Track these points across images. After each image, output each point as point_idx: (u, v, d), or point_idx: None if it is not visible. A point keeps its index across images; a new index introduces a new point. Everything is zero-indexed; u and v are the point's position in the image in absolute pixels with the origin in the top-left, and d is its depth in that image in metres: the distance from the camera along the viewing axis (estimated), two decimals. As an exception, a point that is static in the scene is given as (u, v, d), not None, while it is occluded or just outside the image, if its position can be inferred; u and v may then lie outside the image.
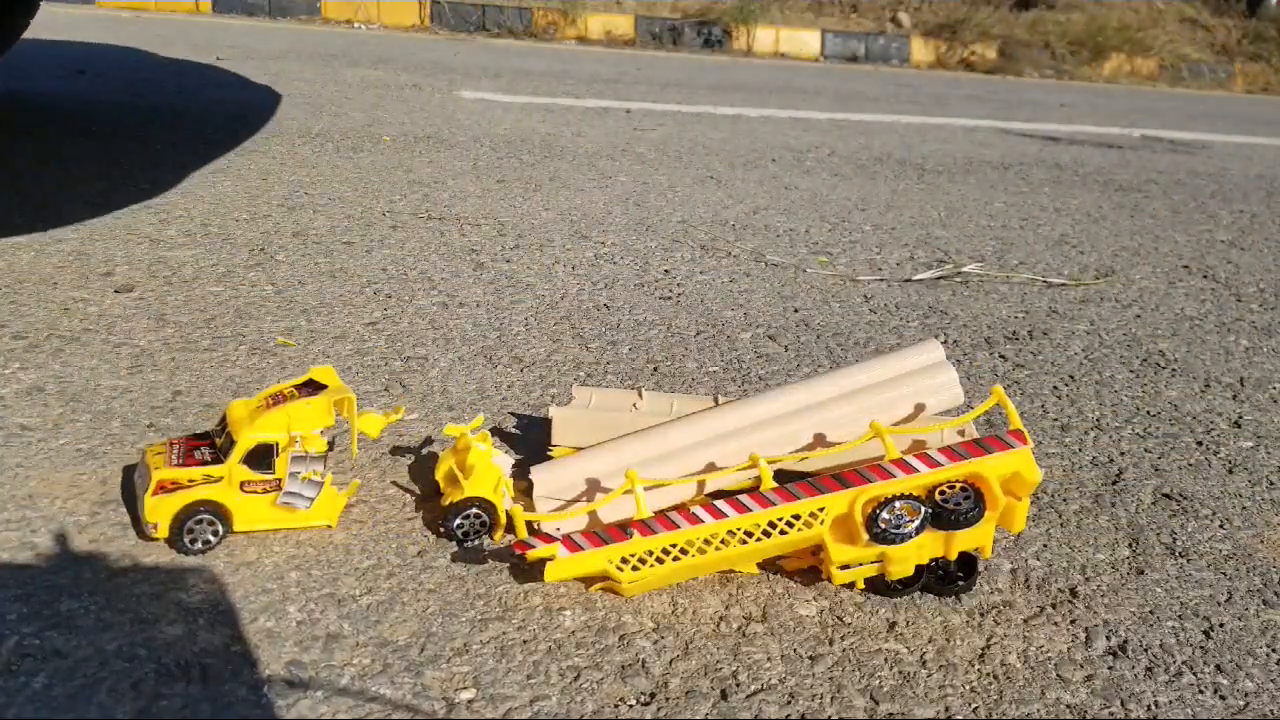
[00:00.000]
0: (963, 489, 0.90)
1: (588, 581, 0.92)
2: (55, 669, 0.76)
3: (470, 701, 0.77)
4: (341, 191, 2.27)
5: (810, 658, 0.86)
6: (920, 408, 1.04)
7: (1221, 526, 1.13)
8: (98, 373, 1.27)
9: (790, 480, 0.93)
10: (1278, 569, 1.05)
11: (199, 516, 0.91)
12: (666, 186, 2.61)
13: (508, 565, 0.94)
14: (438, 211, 2.17)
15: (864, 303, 1.81)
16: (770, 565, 0.96)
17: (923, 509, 0.89)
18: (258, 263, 1.75)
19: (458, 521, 0.96)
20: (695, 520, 0.89)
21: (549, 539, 0.90)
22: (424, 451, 1.15)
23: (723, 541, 0.90)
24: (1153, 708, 0.83)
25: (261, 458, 0.94)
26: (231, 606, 0.85)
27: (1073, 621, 0.93)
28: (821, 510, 0.90)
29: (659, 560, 0.89)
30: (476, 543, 0.97)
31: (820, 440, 1.01)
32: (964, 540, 0.91)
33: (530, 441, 1.18)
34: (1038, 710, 0.82)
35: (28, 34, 3.03)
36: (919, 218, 2.50)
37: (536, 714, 0.77)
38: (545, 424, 1.12)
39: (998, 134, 4.06)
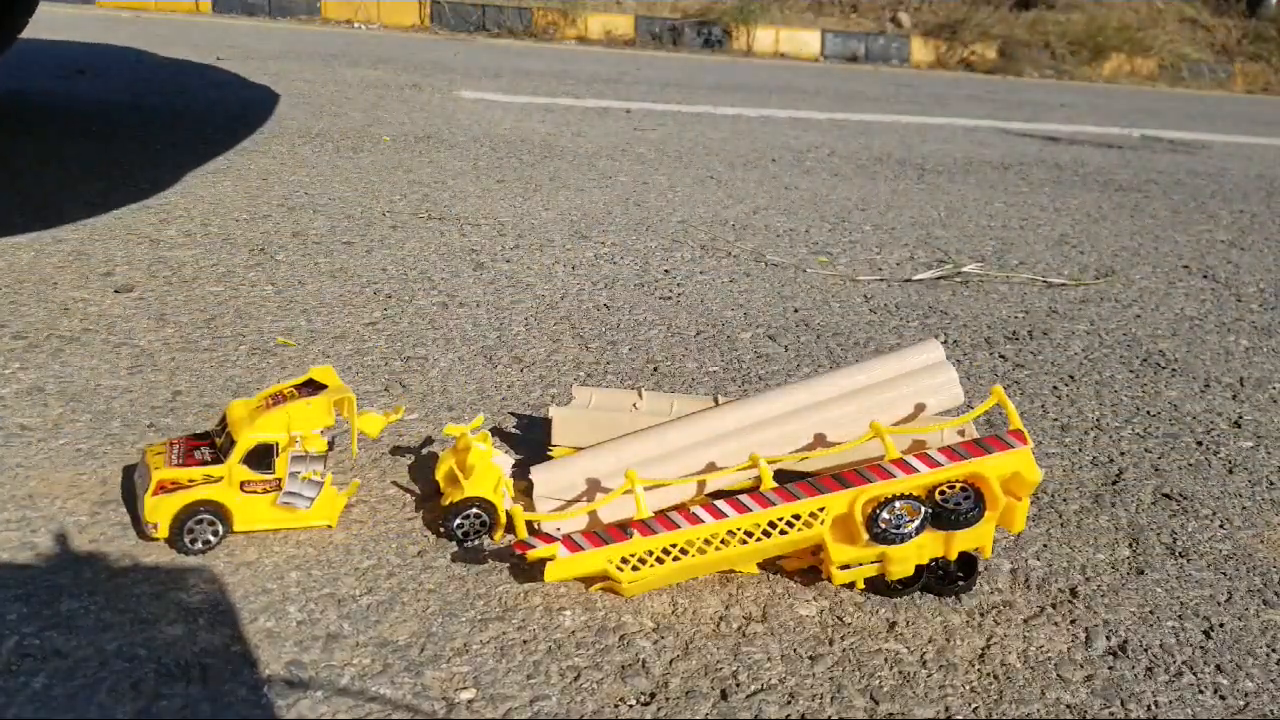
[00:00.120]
0: (963, 489, 0.90)
1: (588, 581, 0.92)
2: (55, 669, 0.76)
3: (470, 701, 0.77)
4: (341, 191, 2.27)
5: (810, 658, 0.86)
6: (920, 408, 1.04)
7: (1221, 526, 1.13)
8: (98, 373, 1.27)
9: (790, 480, 0.93)
10: (1278, 569, 1.05)
11: (199, 516, 0.91)
12: (666, 186, 2.61)
13: (508, 565, 0.94)
14: (438, 211, 2.17)
15: (864, 303, 1.81)
16: (770, 565, 0.96)
17: (923, 509, 0.89)
18: (258, 263, 1.75)
19: (458, 521, 0.96)
20: (695, 520, 0.89)
21: (549, 539, 0.90)
22: (424, 451, 1.15)
23: (723, 541, 0.90)
24: (1153, 708, 0.83)
25: (261, 458, 0.94)
26: (231, 606, 0.85)
27: (1073, 621, 0.93)
28: (821, 510, 0.90)
29: (659, 560, 0.89)
30: (476, 543, 0.97)
31: (820, 440, 1.01)
32: (964, 540, 0.91)
33: (530, 441, 1.18)
34: (1038, 710, 0.82)
35: (27, 34, 3.03)
36: (919, 218, 2.50)
37: (536, 714, 0.77)
38: (545, 424, 1.12)
39: (998, 134, 4.06)
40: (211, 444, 0.97)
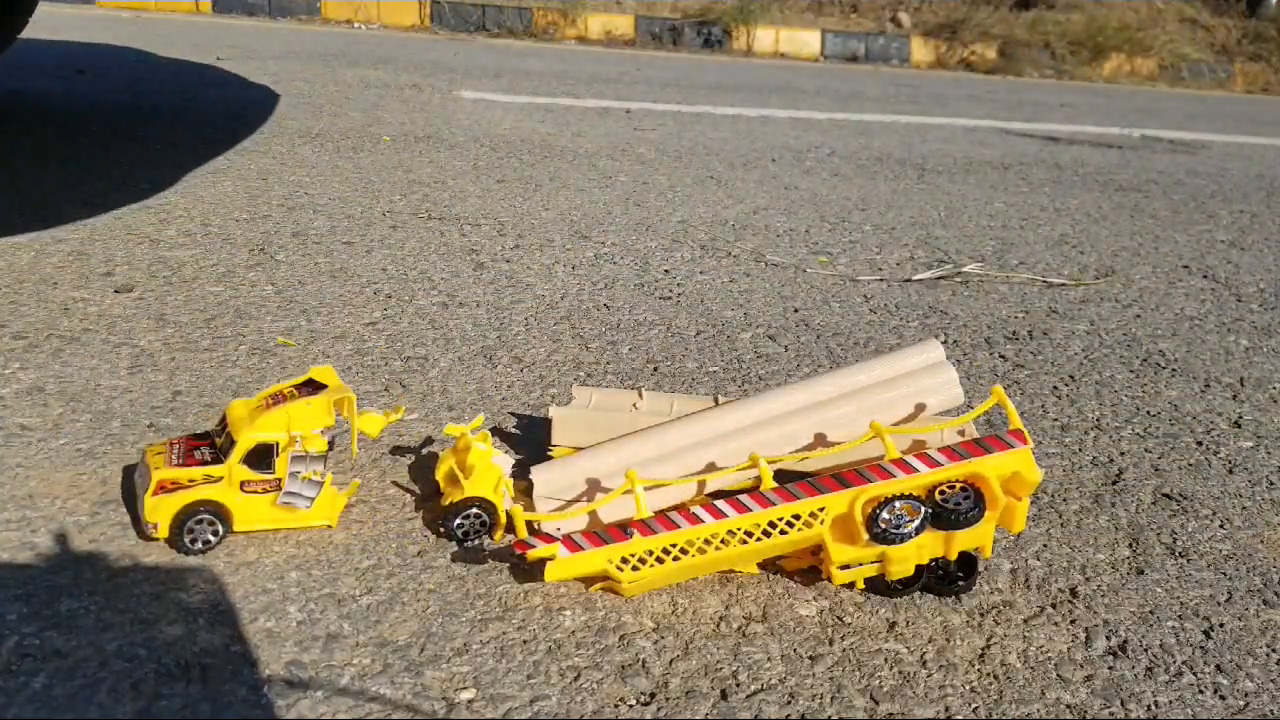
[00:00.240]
0: (963, 489, 0.90)
1: (588, 581, 0.92)
2: (55, 669, 0.76)
3: (470, 701, 0.77)
4: (341, 191, 2.27)
5: (810, 658, 0.86)
6: (920, 407, 1.04)
7: (1221, 526, 1.13)
8: (98, 373, 1.27)
9: (790, 480, 0.93)
10: (1278, 569, 1.05)
11: (199, 516, 0.91)
12: (666, 186, 2.61)
13: (508, 565, 0.94)
14: (438, 211, 2.17)
15: (864, 303, 1.81)
16: (770, 565, 0.96)
17: (923, 509, 0.89)
18: (258, 263, 1.75)
19: (458, 521, 0.96)
20: (695, 520, 0.89)
21: (549, 539, 0.90)
22: (424, 451, 1.15)
23: (723, 541, 0.90)
24: (1153, 708, 0.83)
25: (261, 458, 0.94)
26: (231, 606, 0.85)
27: (1073, 621, 0.93)
28: (821, 510, 0.90)
29: (659, 560, 0.89)
30: (476, 543, 0.97)
31: (820, 440, 1.01)
32: (964, 540, 0.91)
33: (530, 441, 1.18)
34: (1038, 710, 0.82)
35: (27, 34, 3.03)
36: (919, 218, 2.50)
37: (536, 714, 0.77)
38: (545, 424, 1.12)
39: (998, 134, 4.06)
40: (211, 444, 0.97)
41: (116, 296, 1.54)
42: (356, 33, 6.13)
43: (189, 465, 0.93)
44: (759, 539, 0.90)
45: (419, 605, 0.88)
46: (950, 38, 7.30)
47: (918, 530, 0.88)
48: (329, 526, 0.97)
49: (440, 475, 1.02)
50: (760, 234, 2.22)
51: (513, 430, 1.22)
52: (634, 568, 0.89)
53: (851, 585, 0.94)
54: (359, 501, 1.03)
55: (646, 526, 0.89)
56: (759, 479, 0.93)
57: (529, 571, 0.92)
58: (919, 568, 0.92)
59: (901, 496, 0.89)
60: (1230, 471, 1.27)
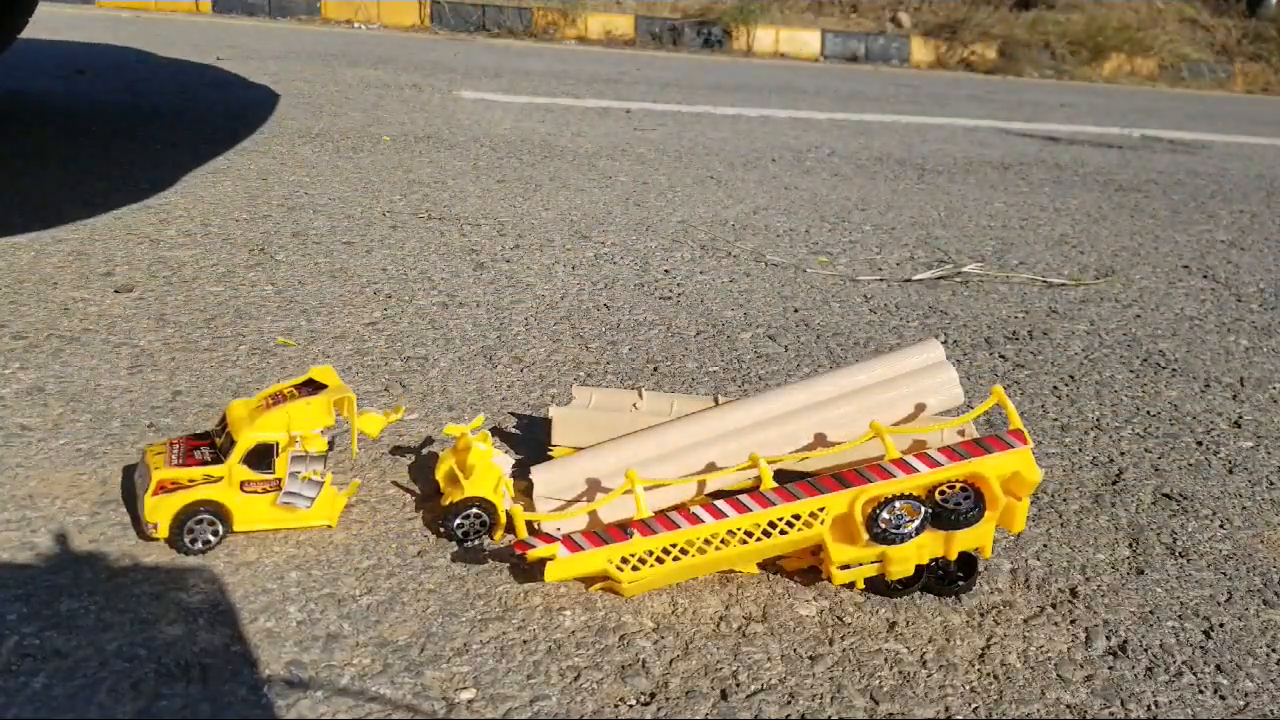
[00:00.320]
0: (963, 489, 0.90)
1: (588, 581, 0.92)
2: (55, 669, 0.76)
3: (470, 701, 0.77)
4: (341, 191, 2.27)
5: (810, 658, 0.86)
6: (920, 408, 1.04)
7: (1221, 526, 1.13)
8: (98, 373, 1.27)
9: (790, 480, 0.93)
10: (1278, 569, 1.05)
11: (199, 516, 0.91)
12: (666, 186, 2.61)
13: (508, 565, 0.94)
14: (438, 211, 2.17)
15: (864, 303, 1.81)
16: (770, 565, 0.96)
17: (923, 509, 0.89)
18: (258, 263, 1.75)
19: (458, 521, 0.96)
20: (695, 520, 0.89)
21: (549, 539, 0.90)
22: (424, 451, 1.15)
23: (723, 541, 0.90)
24: (1153, 708, 0.83)
25: (261, 458, 0.94)
26: (231, 606, 0.85)
27: (1073, 621, 0.93)
28: (821, 510, 0.90)
29: (659, 560, 0.89)
30: (476, 543, 0.97)
31: (820, 440, 1.01)
32: (964, 540, 0.91)
33: (530, 441, 1.18)
34: (1038, 710, 0.82)
35: (27, 34, 3.03)
36: (919, 218, 2.50)
37: (536, 714, 0.77)
38: (545, 424, 1.12)
39: (998, 134, 4.06)
40: (211, 444, 0.97)
41: (116, 296, 1.54)
42: (356, 33, 6.13)
43: (189, 465, 0.93)
44: (759, 539, 0.90)
45: (419, 605, 0.88)
46: (950, 38, 7.30)
47: (918, 530, 0.88)
48: (329, 526, 0.97)
49: (440, 475, 1.02)
50: (760, 234, 2.22)
51: (513, 430, 1.22)
52: (634, 568, 0.89)
53: (851, 585, 0.94)
54: (359, 501, 1.03)
55: (646, 526, 0.89)
56: (759, 479, 0.93)
57: (529, 571, 0.92)
58: (919, 568, 0.92)
59: (901, 496, 0.89)
60: (1230, 471, 1.27)
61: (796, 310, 1.74)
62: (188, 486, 0.91)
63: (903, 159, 3.30)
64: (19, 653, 0.77)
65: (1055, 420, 1.38)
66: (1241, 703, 0.85)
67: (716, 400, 1.11)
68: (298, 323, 1.50)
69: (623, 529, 0.90)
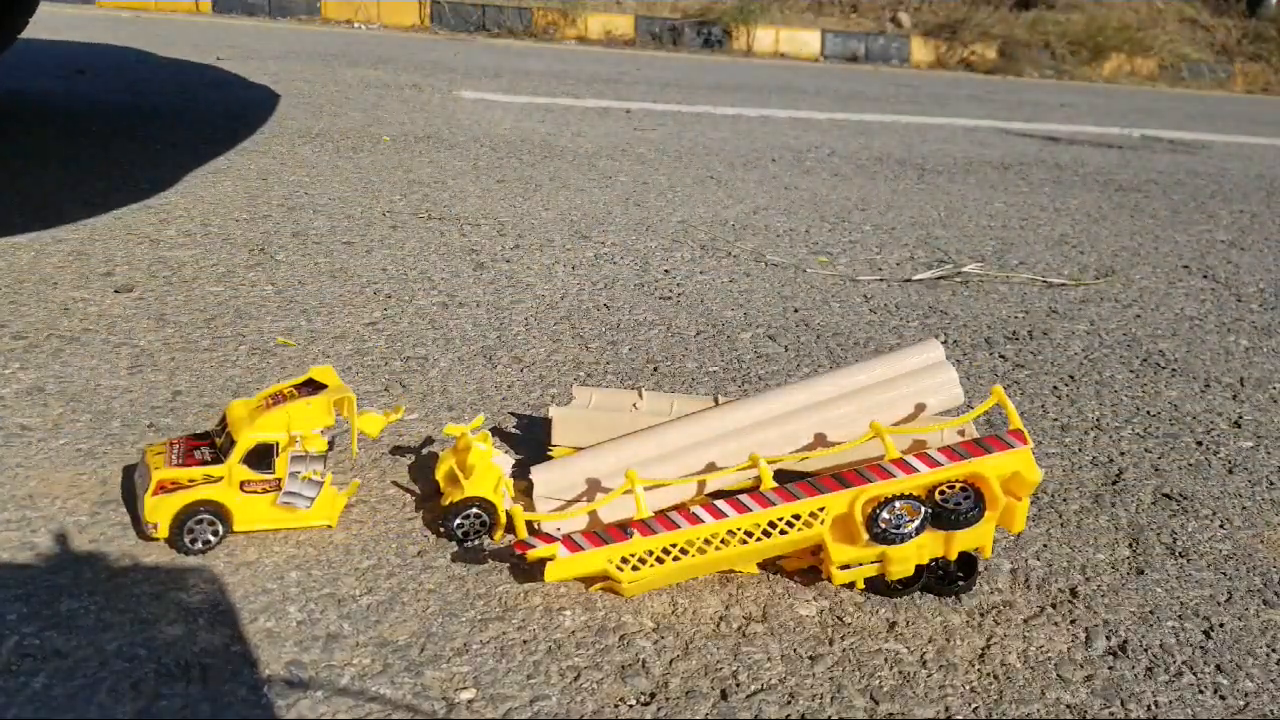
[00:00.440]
0: (963, 489, 0.90)
1: (588, 581, 0.92)
2: (55, 669, 0.76)
3: (470, 701, 0.77)
4: (341, 191, 2.27)
5: (810, 658, 0.86)
6: (920, 407, 1.04)
7: (1221, 526, 1.13)
8: (98, 373, 1.27)
9: (790, 480, 0.93)
10: (1278, 569, 1.05)
11: (199, 516, 0.91)
12: (666, 186, 2.61)
13: (508, 565, 0.94)
14: (438, 211, 2.17)
15: (864, 303, 1.81)
16: (770, 565, 0.96)
17: (923, 509, 0.89)
18: (258, 263, 1.75)
19: (458, 521, 0.96)
20: (695, 520, 0.89)
21: (549, 539, 0.90)
22: (424, 451, 1.15)
23: (723, 541, 0.90)
24: (1153, 708, 0.83)
25: (261, 458, 0.94)
26: (231, 606, 0.85)
27: (1073, 621, 0.93)
28: (821, 510, 0.90)
29: (659, 560, 0.89)
30: (476, 543, 0.97)
31: (820, 440, 1.01)
32: (964, 540, 0.91)
33: (530, 441, 1.18)
34: (1038, 710, 0.82)
35: (27, 34, 3.03)
36: (919, 218, 2.50)
37: (536, 714, 0.77)
38: (545, 424, 1.12)
39: (998, 134, 4.06)
40: (211, 444, 0.97)
41: (116, 296, 1.54)
42: (356, 33, 6.13)
43: (189, 465, 0.93)
44: (759, 539, 0.90)
45: (419, 605, 0.88)
46: (950, 38, 7.30)
47: (918, 530, 0.88)
48: (329, 526, 0.97)
49: (440, 475, 1.02)
50: (760, 234, 2.22)
51: (513, 430, 1.22)
52: (634, 568, 0.89)
53: (851, 585, 0.94)
54: (359, 501, 1.03)
55: (646, 526, 0.89)
56: (759, 479, 0.93)
57: (529, 571, 0.92)
58: (919, 568, 0.92)
59: (901, 496, 0.89)
60: (1230, 471, 1.27)
61: (796, 310, 1.74)
62: (188, 486, 0.91)
63: (903, 159, 3.30)
64: (19, 653, 0.77)
65: (1055, 420, 1.38)
66: (1241, 703, 0.85)
67: (716, 400, 1.11)
68: (298, 323, 1.50)
69: (623, 529, 0.90)
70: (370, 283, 1.70)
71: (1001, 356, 1.60)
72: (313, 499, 0.95)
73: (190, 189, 2.20)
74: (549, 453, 1.07)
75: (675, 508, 0.93)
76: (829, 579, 0.93)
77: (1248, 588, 1.01)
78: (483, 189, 2.41)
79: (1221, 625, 0.95)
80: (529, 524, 0.97)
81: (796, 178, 2.86)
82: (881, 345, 1.61)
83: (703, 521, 0.89)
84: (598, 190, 2.50)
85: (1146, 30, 7.73)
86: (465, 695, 0.78)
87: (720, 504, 0.90)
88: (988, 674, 0.85)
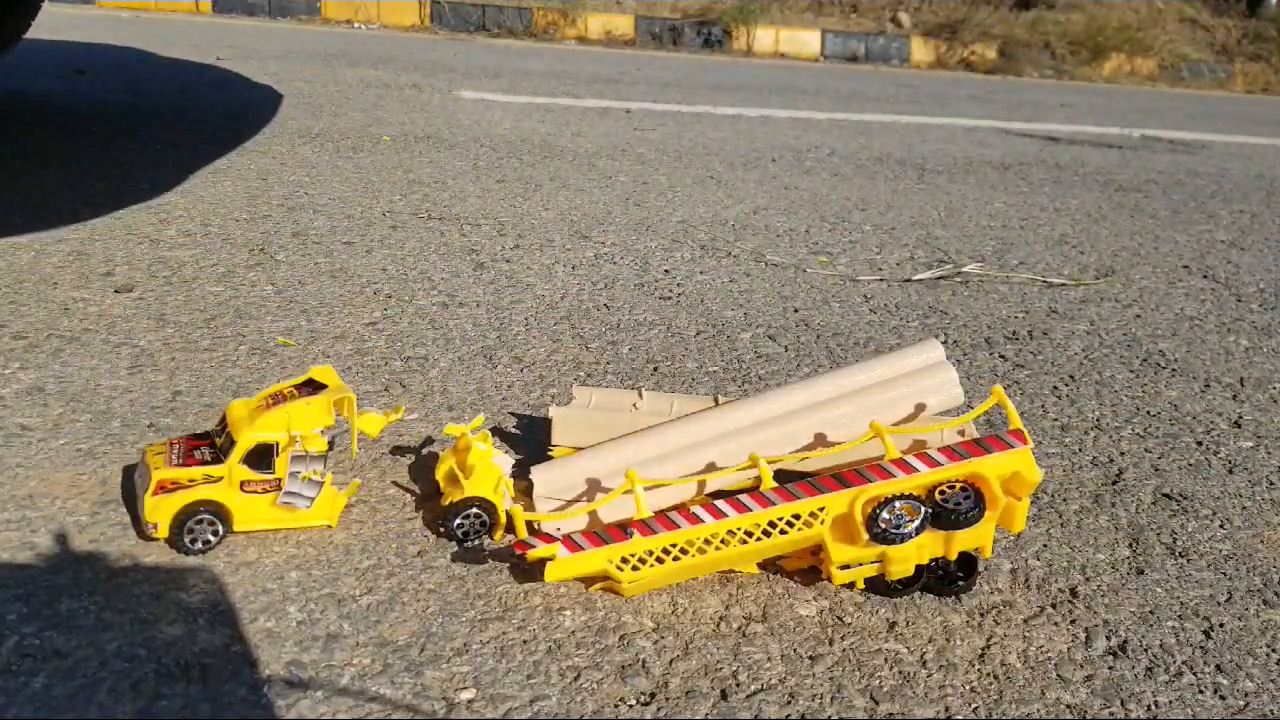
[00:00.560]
0: (963, 489, 0.90)
1: (588, 581, 0.92)
2: (55, 669, 0.76)
3: (470, 701, 0.77)
4: (341, 191, 2.27)
5: (810, 658, 0.86)
6: (920, 407, 1.04)
7: (1221, 526, 1.13)
8: (98, 373, 1.27)
9: (790, 480, 0.93)
10: (1278, 569, 1.05)
11: (199, 516, 0.91)
12: (666, 186, 2.61)
13: (508, 565, 0.94)
14: (438, 211, 2.17)
15: (864, 303, 1.81)
16: (770, 565, 0.96)
17: (923, 509, 0.89)
18: (258, 263, 1.75)
19: (458, 521, 0.96)
20: (695, 520, 0.89)
21: (549, 539, 0.90)
22: (424, 451, 1.15)
23: (723, 541, 0.90)
24: (1153, 708, 0.83)
25: (261, 458, 0.94)
26: (231, 606, 0.85)
27: (1073, 621, 0.93)
28: (821, 510, 0.90)
29: (659, 560, 0.89)
30: (476, 543, 0.97)
31: (820, 440, 1.01)
32: (964, 540, 0.91)
33: (530, 441, 1.18)
34: (1038, 710, 0.82)
35: (27, 34, 3.02)
36: (919, 218, 2.50)
37: (536, 714, 0.77)
38: (545, 424, 1.12)
39: (998, 134, 4.06)
40: (211, 444, 0.97)
41: (116, 296, 1.54)
42: (356, 33, 6.13)
43: (189, 465, 0.93)
44: (759, 539, 0.90)
45: (419, 605, 0.88)
46: (950, 38, 7.30)
47: (918, 530, 0.88)
48: (329, 526, 0.97)
49: (440, 475, 1.02)
50: (760, 234, 2.22)
51: (513, 430, 1.22)
52: (634, 568, 0.89)
53: (851, 585, 0.94)
54: (359, 501, 1.03)
55: (646, 526, 0.89)
56: (759, 479, 0.93)
57: (529, 571, 0.92)
58: (919, 568, 0.92)
59: (901, 496, 0.89)
60: (1230, 471, 1.27)
61: (796, 310, 1.74)
62: (188, 486, 0.91)
63: (903, 159, 3.30)
64: (19, 653, 0.77)
65: (1055, 420, 1.38)
66: (1241, 703, 0.85)
67: (716, 400, 1.11)
68: (298, 323, 1.50)
69: (623, 529, 0.90)
70: (370, 283, 1.70)
71: (1001, 356, 1.60)
72: (313, 499, 0.95)
73: (190, 189, 2.20)
74: (549, 453, 1.07)
75: (675, 508, 0.93)
76: (829, 579, 0.93)
77: (1248, 588, 1.01)
78: (483, 189, 2.41)
79: (1221, 625, 0.95)
80: (529, 524, 0.97)
81: (796, 178, 2.86)
82: (881, 345, 1.61)
83: (703, 521, 0.89)
84: (598, 190, 2.50)
85: (1146, 30, 7.73)
86: (465, 695, 0.78)
87: (720, 504, 0.90)
88: (988, 674, 0.85)
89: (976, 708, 0.81)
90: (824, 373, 1.10)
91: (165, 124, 2.85)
